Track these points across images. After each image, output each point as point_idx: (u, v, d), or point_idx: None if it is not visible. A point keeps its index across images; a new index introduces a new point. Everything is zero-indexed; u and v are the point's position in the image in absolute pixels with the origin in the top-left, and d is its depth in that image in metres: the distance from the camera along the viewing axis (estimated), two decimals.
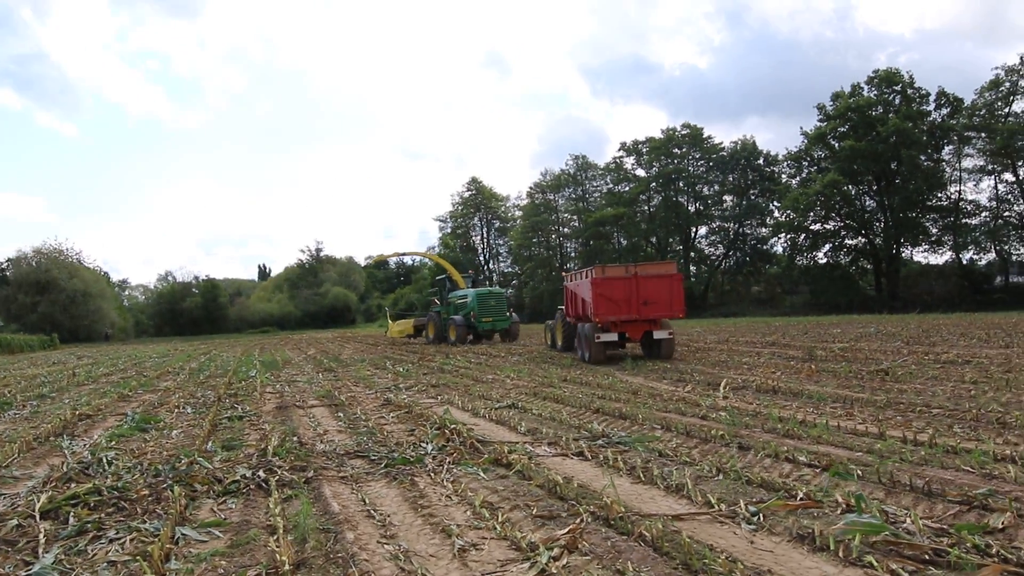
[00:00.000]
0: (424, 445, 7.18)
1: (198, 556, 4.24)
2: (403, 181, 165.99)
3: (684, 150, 58.31)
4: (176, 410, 11.22)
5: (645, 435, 7.16)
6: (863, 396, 9.07)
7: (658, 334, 16.32)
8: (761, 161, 55.86)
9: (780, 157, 55.09)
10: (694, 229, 60.15)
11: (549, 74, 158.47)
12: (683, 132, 57.92)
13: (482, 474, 5.97)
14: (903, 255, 47.91)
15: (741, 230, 57.87)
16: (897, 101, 45.53)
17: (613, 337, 16.29)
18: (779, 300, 51.97)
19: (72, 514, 5.11)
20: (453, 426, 7.90)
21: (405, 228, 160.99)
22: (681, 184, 59.44)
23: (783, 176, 54.44)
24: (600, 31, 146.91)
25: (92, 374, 20.39)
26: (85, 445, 8.39)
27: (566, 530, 4.22)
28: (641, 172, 61.70)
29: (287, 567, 3.81)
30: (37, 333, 57.78)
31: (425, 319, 30.41)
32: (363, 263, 72.79)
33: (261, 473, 6.24)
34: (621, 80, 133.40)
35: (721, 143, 57.79)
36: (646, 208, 61.62)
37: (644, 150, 60.26)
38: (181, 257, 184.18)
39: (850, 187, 45.46)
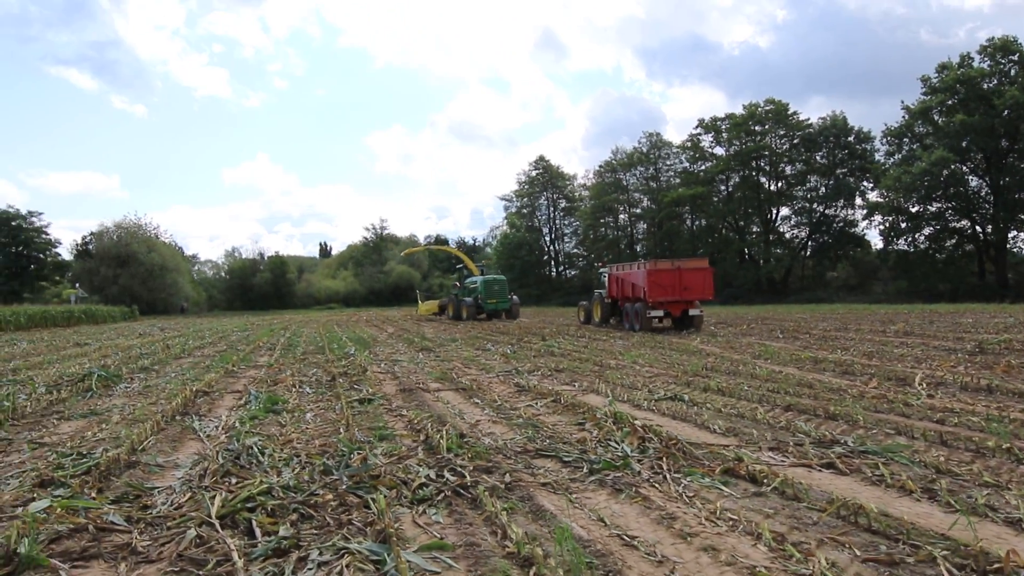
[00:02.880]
0: (617, 445, 6.09)
1: None
2: (457, 162, 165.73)
3: (767, 127, 55.28)
4: (294, 389, 10.47)
5: (893, 444, 5.89)
6: None
7: (692, 311, 21.47)
8: (852, 138, 52.45)
9: (874, 134, 51.78)
10: (775, 210, 57.24)
11: (604, 55, 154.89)
12: (767, 108, 54.91)
13: (724, 488, 4.85)
14: (1012, 241, 44.34)
15: (827, 211, 54.77)
16: (1013, 72, 41.75)
17: (660, 313, 21.34)
18: (868, 286, 49.01)
19: (254, 522, 4.22)
20: (636, 423, 6.78)
21: (459, 209, 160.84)
22: (762, 163, 56.55)
23: (876, 154, 51.10)
24: (657, 10, 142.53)
25: (186, 347, 20.13)
26: (217, 427, 7.67)
27: None
28: (720, 150, 59.04)
29: None
30: (118, 305, 59.49)
31: (447, 300, 36.58)
32: (400, 254, 73.29)
33: (447, 475, 5.27)
34: (678, 60, 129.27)
35: (808, 119, 54.54)
36: (724, 188, 58.98)
37: (723, 127, 57.52)
38: (244, 234, 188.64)
39: (959, 165, 41.90)
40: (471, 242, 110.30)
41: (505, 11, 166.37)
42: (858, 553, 3.64)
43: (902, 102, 48.64)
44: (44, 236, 68.84)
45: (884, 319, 23.22)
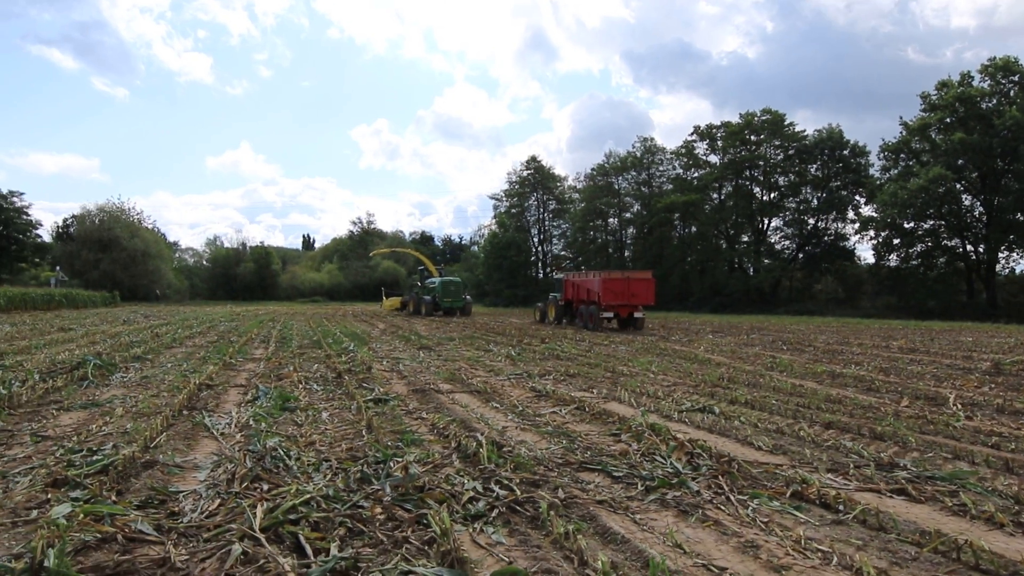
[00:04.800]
0: (664, 460, 5.78)
1: None
2: (442, 160, 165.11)
3: (762, 137, 55.32)
4: (301, 386, 10.06)
5: (958, 470, 5.62)
6: None
7: (637, 314, 25.13)
8: (847, 152, 52.59)
9: (869, 148, 51.93)
10: (766, 220, 57.35)
11: (592, 58, 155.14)
12: (763, 118, 54.95)
13: (799, 514, 4.54)
14: (1003, 261, 44.67)
15: (818, 224, 54.93)
16: (1013, 93, 41.96)
17: (610, 315, 24.82)
18: (856, 300, 49.23)
19: (301, 537, 3.84)
20: (679, 437, 6.48)
21: (443, 206, 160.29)
22: (756, 173, 56.61)
23: (870, 169, 51.24)
24: (647, 16, 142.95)
25: (176, 336, 19.57)
26: (229, 424, 7.25)
27: None
28: (714, 158, 59.02)
29: None
30: (99, 290, 58.32)
31: (408, 298, 41.43)
32: (370, 254, 73.68)
33: (495, 488, 4.92)
34: (665, 67, 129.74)
35: (804, 131, 54.62)
36: (716, 196, 58.99)
37: (719, 135, 57.52)
38: (225, 223, 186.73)
39: (954, 184, 42.06)
40: (456, 239, 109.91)
41: (496, 10, 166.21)
42: None
43: (900, 118, 48.81)
44: (25, 217, 67.21)
45: (882, 334, 23.18)
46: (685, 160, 60.78)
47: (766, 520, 4.41)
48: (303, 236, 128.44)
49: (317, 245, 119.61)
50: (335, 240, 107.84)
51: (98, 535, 3.86)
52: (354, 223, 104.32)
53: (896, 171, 46.81)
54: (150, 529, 4.00)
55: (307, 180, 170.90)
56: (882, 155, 48.62)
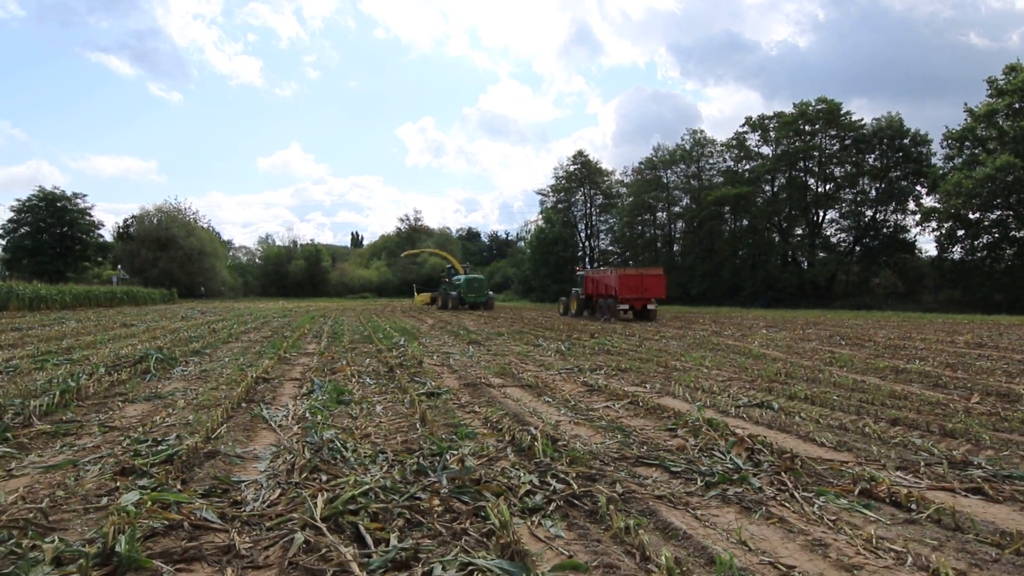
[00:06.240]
0: (723, 456, 5.63)
1: None
2: (487, 156, 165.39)
3: (817, 127, 53.72)
4: (354, 379, 10.18)
5: None
6: None
7: (650, 306, 27.81)
8: (907, 141, 50.63)
9: (931, 137, 49.86)
10: (821, 212, 55.74)
11: (638, 51, 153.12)
12: (818, 107, 53.36)
13: (868, 512, 4.36)
14: None
15: (876, 216, 53.12)
16: None
17: (626, 307, 27.63)
18: (917, 294, 47.43)
19: (361, 527, 3.85)
20: (739, 432, 6.32)
21: (488, 203, 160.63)
22: (810, 164, 55.02)
23: (932, 158, 49.21)
24: (693, 7, 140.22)
25: (232, 332, 20.08)
26: (286, 416, 7.38)
27: None
28: (766, 150, 57.62)
29: None
30: (158, 287, 60.41)
31: (437, 293, 44.99)
32: (402, 255, 75.15)
33: (552, 481, 4.86)
34: (713, 58, 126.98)
35: (861, 120, 52.83)
36: (768, 188, 57.58)
37: (771, 126, 56.13)
38: (276, 222, 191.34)
39: None
40: (502, 235, 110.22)
41: (540, 5, 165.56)
42: None
43: (964, 104, 46.63)
44: (88, 218, 70.11)
45: (946, 329, 22.27)
46: (736, 152, 59.55)
47: (833, 518, 4.25)
48: (352, 234, 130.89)
49: (365, 242, 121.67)
50: (383, 237, 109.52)
51: (165, 522, 3.95)
52: (401, 220, 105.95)
53: (960, 160, 44.87)
54: (214, 517, 4.08)
55: (355, 179, 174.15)
56: (945, 143, 46.69)
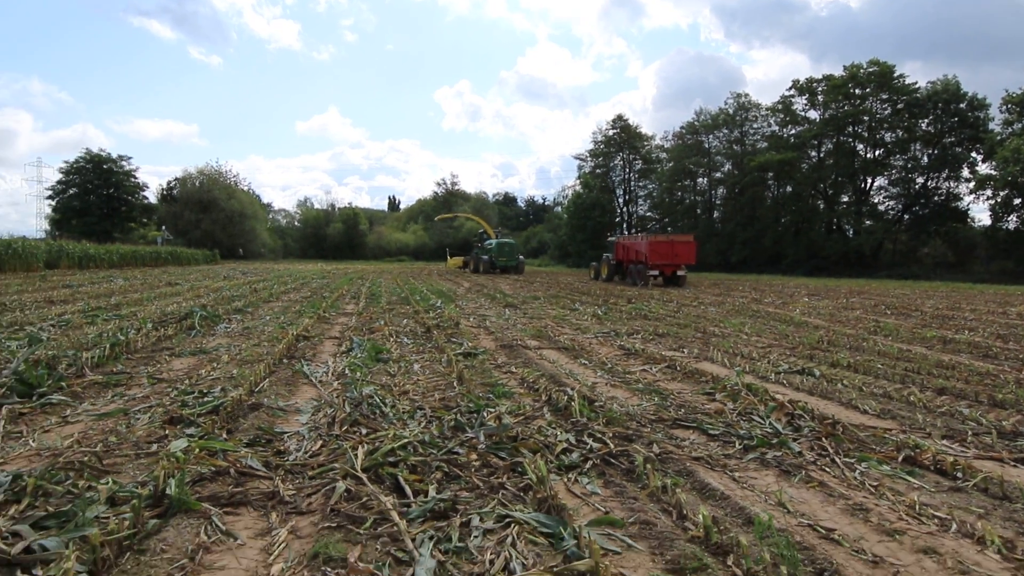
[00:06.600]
0: (762, 421, 5.57)
1: None
2: (525, 120, 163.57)
3: (867, 90, 51.66)
4: (392, 339, 10.29)
5: None
6: None
7: (679, 272, 28.02)
8: (964, 105, 48.39)
9: (990, 101, 47.47)
10: (869, 179, 53.93)
11: (680, 13, 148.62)
12: (869, 70, 51.22)
13: (911, 479, 4.28)
14: None
15: (928, 183, 51.21)
16: None
17: (656, 273, 27.86)
18: (968, 265, 45.85)
19: (400, 478, 3.92)
20: (778, 397, 6.23)
21: (525, 167, 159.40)
22: (859, 129, 53.07)
23: (990, 123, 46.98)
24: None
25: (272, 292, 20.47)
26: (325, 373, 7.51)
27: None
28: (813, 114, 55.72)
29: None
30: (201, 248, 61.74)
31: (469, 257, 45.77)
32: (436, 219, 75.72)
33: (588, 440, 4.87)
34: (759, 20, 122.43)
35: (915, 83, 50.54)
36: (815, 154, 55.84)
37: (819, 89, 54.21)
38: (314, 185, 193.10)
39: None
40: (539, 200, 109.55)
41: None
42: None
43: None
44: (133, 180, 71.68)
45: (998, 300, 21.55)
46: (781, 117, 57.70)
47: (875, 484, 4.18)
48: (388, 197, 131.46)
49: (402, 206, 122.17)
50: (420, 201, 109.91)
51: (212, 468, 4.08)
52: (438, 184, 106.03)
53: (1020, 125, 42.75)
54: (259, 465, 4.20)
55: (392, 142, 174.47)
56: (1004, 108, 44.45)
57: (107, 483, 3.74)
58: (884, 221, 51.87)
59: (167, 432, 4.88)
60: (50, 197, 69.02)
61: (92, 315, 12.41)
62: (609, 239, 34.74)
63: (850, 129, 53.19)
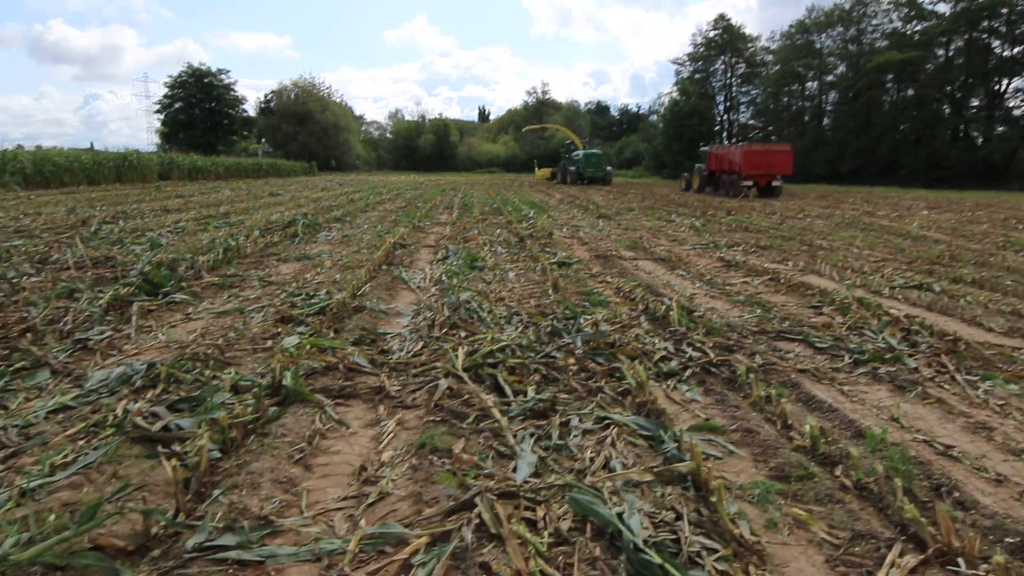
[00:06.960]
0: (875, 335, 5.27)
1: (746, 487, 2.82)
2: (618, 24, 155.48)
3: None
4: (486, 248, 10.37)
5: None
6: None
7: (775, 183, 26.99)
8: None
9: None
10: (1005, 81, 48.50)
11: None
12: None
13: None
14: None
15: None
16: None
17: (749, 183, 26.76)
18: None
19: (500, 379, 3.99)
20: (893, 312, 5.88)
21: (618, 75, 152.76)
22: (996, 23, 47.35)
23: None
24: None
25: (368, 202, 20.96)
26: (422, 279, 7.70)
27: None
28: (943, 7, 50.04)
29: None
30: (299, 160, 63.68)
31: (557, 169, 45.55)
32: (523, 130, 73.95)
33: (687, 349, 4.78)
34: None
35: None
36: (942, 53, 50.52)
37: None
38: (405, 97, 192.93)
39: None
40: (633, 109, 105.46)
41: None
42: None
43: None
44: (232, 93, 73.58)
45: None
46: (905, 11, 52.12)
47: (1001, 403, 3.92)
48: (479, 108, 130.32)
49: (492, 117, 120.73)
50: (510, 112, 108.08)
51: (323, 364, 4.29)
52: (529, 93, 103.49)
53: None
54: (365, 362, 4.38)
55: (481, 51, 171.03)
56: None
57: (230, 373, 4.01)
58: (1020, 127, 46.83)
59: (279, 330, 5.15)
60: (158, 111, 72.25)
61: (204, 222, 13.13)
62: (702, 149, 33.35)
63: (985, 24, 47.44)
